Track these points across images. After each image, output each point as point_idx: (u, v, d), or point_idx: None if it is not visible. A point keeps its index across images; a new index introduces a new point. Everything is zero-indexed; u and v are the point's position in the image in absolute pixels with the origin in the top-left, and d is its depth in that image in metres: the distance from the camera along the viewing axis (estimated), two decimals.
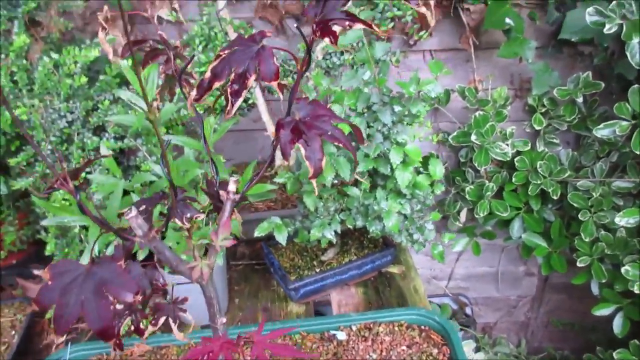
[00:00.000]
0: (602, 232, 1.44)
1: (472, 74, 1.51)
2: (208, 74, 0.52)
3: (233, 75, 0.50)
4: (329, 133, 0.51)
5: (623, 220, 1.22)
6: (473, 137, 1.40)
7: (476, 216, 1.53)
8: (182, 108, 1.11)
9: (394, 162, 0.94)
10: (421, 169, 1.04)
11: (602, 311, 1.45)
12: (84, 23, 1.49)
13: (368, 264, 1.17)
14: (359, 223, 1.01)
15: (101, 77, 1.09)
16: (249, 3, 1.45)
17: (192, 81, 0.68)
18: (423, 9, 1.15)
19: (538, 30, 1.46)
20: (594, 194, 1.44)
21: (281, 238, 0.99)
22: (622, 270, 1.33)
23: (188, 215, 0.59)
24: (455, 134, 1.48)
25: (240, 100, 0.51)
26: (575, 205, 1.46)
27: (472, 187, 1.54)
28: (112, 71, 1.08)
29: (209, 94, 0.52)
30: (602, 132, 1.32)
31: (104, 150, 0.92)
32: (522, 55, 1.37)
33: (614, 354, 1.44)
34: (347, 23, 0.49)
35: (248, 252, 1.33)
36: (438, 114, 1.60)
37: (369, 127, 0.95)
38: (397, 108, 0.92)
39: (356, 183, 1.03)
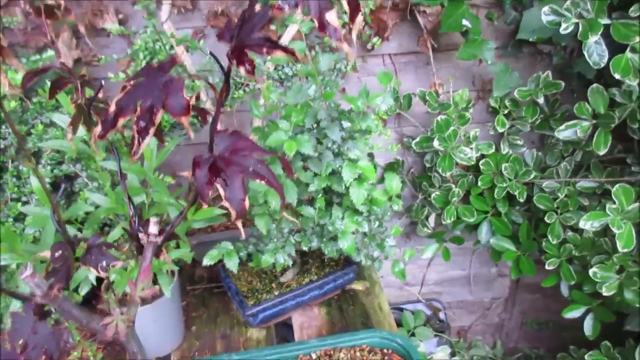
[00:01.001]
0: (570, 233, 1.42)
1: (433, 77, 1.47)
2: (113, 108, 0.46)
3: (139, 110, 0.44)
4: (251, 170, 0.46)
5: (587, 223, 1.20)
6: (436, 143, 1.37)
7: (443, 222, 1.50)
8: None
9: (347, 180, 0.89)
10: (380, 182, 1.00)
11: (572, 313, 1.44)
12: (26, 39, 1.41)
13: (330, 283, 1.13)
14: (315, 244, 0.97)
15: (34, 99, 1.02)
16: (200, 12, 1.39)
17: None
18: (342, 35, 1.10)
19: (497, 30, 1.44)
20: (559, 194, 1.43)
21: (232, 265, 0.93)
22: (590, 272, 1.31)
23: (104, 263, 0.54)
24: (418, 139, 1.44)
25: (149, 138, 0.45)
26: (541, 207, 1.44)
27: (438, 193, 1.51)
28: (46, 93, 1.01)
29: (114, 130, 0.46)
30: (563, 133, 1.30)
31: (34, 181, 0.85)
32: (481, 56, 1.34)
33: (585, 356, 1.43)
34: (264, 50, 0.44)
35: (206, 274, 1.27)
36: (401, 118, 1.56)
37: (319, 143, 0.90)
38: (346, 124, 0.88)
39: (311, 201, 0.98)
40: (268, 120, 0.96)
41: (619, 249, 1.18)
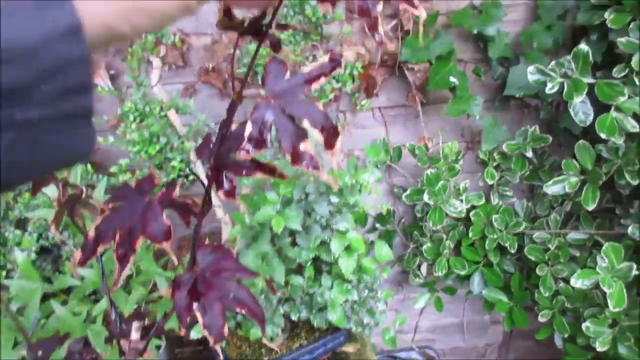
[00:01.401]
0: (562, 284, 1.42)
1: (422, 130, 1.48)
2: (92, 233, 0.45)
3: (118, 236, 0.44)
4: (232, 297, 0.45)
5: (579, 281, 1.20)
6: (426, 197, 1.37)
7: (435, 274, 1.49)
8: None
9: (335, 252, 0.89)
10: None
11: None
12: None
13: (320, 347, 1.11)
14: (304, 315, 0.96)
15: None
16: (192, 67, 1.40)
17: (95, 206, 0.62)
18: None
19: (484, 84, 1.46)
20: (550, 246, 1.43)
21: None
22: (583, 326, 1.30)
23: None
24: (408, 192, 1.44)
25: (129, 265, 0.45)
26: (532, 258, 1.44)
27: (429, 245, 1.51)
28: None
29: (94, 257, 0.46)
30: (552, 188, 1.31)
31: (18, 255, 0.84)
32: (469, 112, 1.35)
33: None
34: (244, 172, 0.44)
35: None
36: (391, 169, 1.56)
37: (307, 215, 0.90)
38: (334, 199, 0.88)
39: (300, 269, 0.97)
40: (257, 188, 0.96)
41: (610, 307, 1.17)
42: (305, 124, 0.35)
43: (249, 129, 0.36)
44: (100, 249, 0.44)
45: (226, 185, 0.45)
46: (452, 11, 1.34)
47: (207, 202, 0.48)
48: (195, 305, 0.44)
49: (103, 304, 0.91)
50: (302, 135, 0.37)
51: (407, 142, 1.46)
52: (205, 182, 0.46)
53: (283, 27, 0.54)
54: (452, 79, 1.32)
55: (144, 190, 0.45)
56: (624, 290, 1.17)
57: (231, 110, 0.40)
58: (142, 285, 0.92)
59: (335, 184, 0.41)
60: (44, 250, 0.98)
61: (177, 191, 0.57)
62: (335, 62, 0.37)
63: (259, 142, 0.36)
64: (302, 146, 0.37)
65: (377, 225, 1.62)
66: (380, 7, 0.31)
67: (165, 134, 1.09)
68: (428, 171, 1.38)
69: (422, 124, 1.46)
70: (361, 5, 0.31)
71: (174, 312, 0.57)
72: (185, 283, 0.45)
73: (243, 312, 0.43)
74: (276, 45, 0.41)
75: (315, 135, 0.37)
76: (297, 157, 0.37)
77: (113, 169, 1.10)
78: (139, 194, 0.45)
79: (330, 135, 0.37)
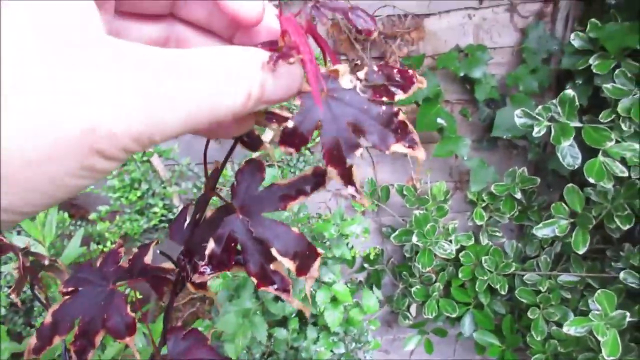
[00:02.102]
0: (554, 327, 1.39)
1: (411, 170, 1.47)
2: (49, 319, 0.42)
3: (78, 328, 0.40)
4: None
5: (572, 329, 1.17)
6: (414, 239, 1.35)
7: (425, 316, 1.46)
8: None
9: (321, 304, 0.85)
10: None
11: None
12: None
13: None
14: None
15: None
16: None
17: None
18: None
19: (471, 124, 1.45)
20: (541, 288, 1.40)
21: None
22: None
23: None
24: (397, 233, 1.42)
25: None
26: (524, 301, 1.41)
27: (419, 287, 1.48)
28: None
29: (50, 347, 0.42)
30: (542, 231, 1.29)
31: None
32: (457, 152, 1.34)
33: None
34: (218, 269, 0.39)
35: None
36: (380, 209, 1.54)
37: None
38: (319, 251, 0.85)
39: (285, 322, 0.94)
40: None
41: (605, 356, 1.14)
42: (274, 251, 0.30)
43: (210, 246, 0.31)
44: (56, 340, 0.40)
45: (196, 277, 0.42)
46: (438, 53, 1.35)
47: (180, 281, 0.45)
48: None
49: None
50: (273, 257, 0.31)
51: (395, 182, 1.44)
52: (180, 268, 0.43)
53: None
54: (440, 121, 1.31)
55: (106, 273, 0.42)
56: (618, 338, 1.14)
57: (203, 204, 0.36)
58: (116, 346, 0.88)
59: (307, 310, 0.37)
60: (14, 304, 0.94)
61: (150, 256, 0.53)
62: (319, 178, 0.31)
63: (220, 263, 0.32)
64: (272, 266, 0.32)
65: (366, 265, 1.59)
66: (359, 153, 0.27)
67: (146, 180, 1.06)
68: (417, 212, 1.36)
69: (410, 164, 1.45)
70: (332, 151, 0.26)
71: None
72: None
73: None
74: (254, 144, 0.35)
75: (286, 263, 0.31)
76: (265, 279, 0.32)
77: (92, 216, 1.07)
78: (102, 278, 0.42)
79: (305, 260, 0.31)
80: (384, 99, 0.26)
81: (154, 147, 1.10)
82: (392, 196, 1.50)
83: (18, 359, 0.83)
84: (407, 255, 1.55)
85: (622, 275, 1.20)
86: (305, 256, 0.31)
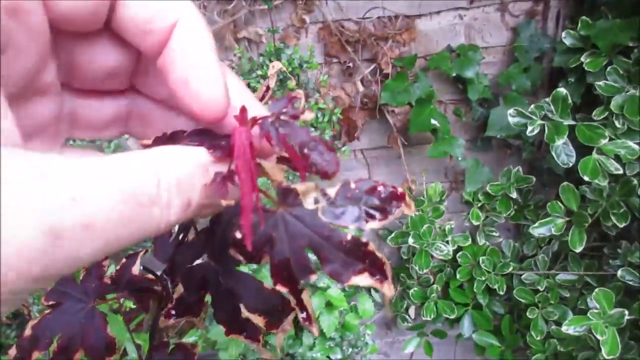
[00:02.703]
0: (553, 326, 1.38)
1: (405, 172, 1.46)
2: (29, 332, 0.41)
3: (57, 344, 0.40)
4: None
5: (570, 328, 1.16)
6: (411, 241, 1.34)
7: (423, 318, 1.45)
8: None
9: (316, 309, 0.84)
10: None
11: None
12: None
13: None
14: None
15: None
16: None
17: None
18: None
19: (465, 124, 1.45)
20: (539, 287, 1.40)
21: None
22: None
23: None
24: (393, 235, 1.42)
25: None
26: (522, 300, 1.40)
27: (416, 289, 1.47)
28: None
29: None
30: (538, 230, 1.28)
31: None
32: (452, 153, 1.34)
33: None
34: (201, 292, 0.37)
35: None
36: None
37: None
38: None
39: None
40: None
41: (604, 355, 1.13)
42: (242, 308, 0.28)
43: (179, 291, 0.30)
44: (35, 355, 0.39)
45: (162, 321, 0.40)
46: (430, 54, 1.34)
47: (165, 298, 0.44)
48: None
49: None
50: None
51: (390, 184, 1.43)
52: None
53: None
54: (433, 122, 1.31)
55: (88, 289, 0.41)
56: (618, 337, 1.13)
57: (188, 223, 0.35)
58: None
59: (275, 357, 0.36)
60: (7, 316, 0.93)
61: (137, 266, 0.52)
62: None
63: (188, 309, 0.30)
64: (244, 315, 0.29)
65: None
66: (313, 279, 0.24)
67: None
68: (413, 214, 1.36)
69: (405, 165, 1.44)
70: (282, 271, 0.23)
71: None
72: None
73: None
74: None
75: (254, 319, 0.29)
76: (235, 328, 0.30)
77: None
78: (83, 294, 0.41)
79: (277, 315, 0.29)
80: (351, 227, 0.22)
81: None
82: None
83: None
84: (405, 257, 1.55)
85: (619, 272, 1.20)
86: (277, 311, 0.29)
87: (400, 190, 0.23)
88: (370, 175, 1.50)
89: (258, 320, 0.28)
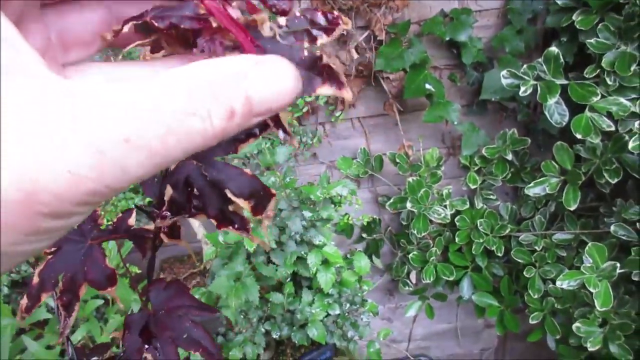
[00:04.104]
0: (551, 285, 1.41)
1: (402, 138, 1.48)
2: (36, 280, 0.44)
3: (62, 283, 0.43)
4: (185, 336, 0.44)
5: (564, 283, 1.19)
6: (409, 205, 1.37)
7: (423, 281, 1.48)
8: None
9: (312, 266, 0.88)
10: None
11: None
12: None
13: None
14: (285, 332, 0.94)
15: None
16: None
17: None
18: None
19: (460, 89, 1.46)
20: (536, 247, 1.42)
21: None
22: (574, 327, 1.29)
23: None
24: (391, 200, 1.44)
25: (76, 312, 0.43)
26: (520, 261, 1.43)
27: (416, 252, 1.50)
28: None
29: (39, 304, 0.45)
30: (533, 190, 1.30)
31: None
32: (447, 117, 1.35)
33: None
34: (187, 216, 0.40)
35: None
36: (374, 178, 1.56)
37: (282, 232, 0.89)
38: (307, 214, 0.87)
39: (280, 286, 0.96)
40: None
41: (598, 307, 1.16)
42: (228, 192, 0.31)
43: (169, 192, 0.33)
44: (44, 297, 0.43)
45: (159, 221, 0.44)
46: (423, 19, 1.35)
47: (158, 237, 0.47)
48: (146, 347, 0.42)
49: (78, 334, 0.89)
50: (230, 199, 0.33)
51: (388, 151, 1.46)
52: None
53: None
54: (428, 86, 1.32)
55: (84, 231, 0.44)
56: (610, 289, 1.16)
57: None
58: (119, 314, 0.91)
59: (266, 246, 0.39)
60: (15, 284, 0.97)
61: (133, 219, 0.56)
62: (265, 123, 0.32)
63: (180, 207, 0.33)
64: (232, 207, 0.33)
65: (364, 235, 1.61)
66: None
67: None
68: (410, 179, 1.38)
69: (402, 132, 1.46)
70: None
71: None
72: (137, 324, 0.44)
73: (197, 353, 0.42)
74: None
75: (241, 203, 0.32)
76: (224, 220, 0.33)
77: None
78: (80, 235, 0.44)
79: (259, 200, 0.32)
80: (306, 44, 0.25)
81: None
82: (386, 165, 1.51)
83: (23, 333, 0.87)
84: (404, 223, 1.57)
85: (613, 228, 1.22)
86: (260, 197, 0.32)
87: (336, 13, 0.26)
88: (369, 144, 1.52)
89: (244, 205, 0.31)
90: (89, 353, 0.53)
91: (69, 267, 0.42)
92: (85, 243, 0.43)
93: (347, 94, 0.26)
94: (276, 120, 0.28)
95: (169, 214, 0.33)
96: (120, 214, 0.55)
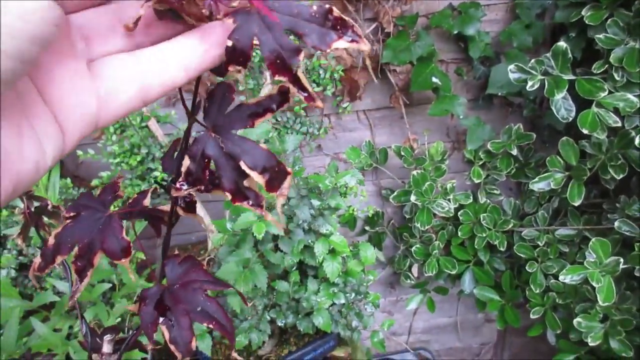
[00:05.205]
0: (552, 280, 1.42)
1: (407, 131, 1.48)
2: (52, 241, 0.45)
3: (78, 249, 0.43)
4: (199, 309, 0.44)
5: (567, 277, 1.20)
6: (413, 198, 1.37)
7: (425, 274, 1.49)
8: None
9: (319, 255, 0.88)
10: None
11: None
12: None
13: (309, 353, 1.10)
14: (290, 320, 0.95)
15: None
16: None
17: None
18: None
19: (466, 83, 1.46)
20: (539, 242, 1.43)
21: (205, 346, 0.91)
22: (575, 322, 1.30)
23: None
24: (395, 193, 1.44)
25: (87, 279, 0.44)
26: (522, 255, 1.44)
27: (419, 245, 1.50)
28: None
29: (53, 266, 0.45)
30: (537, 185, 1.31)
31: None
32: (453, 111, 1.35)
33: None
34: (203, 189, 0.41)
35: None
36: (378, 171, 1.56)
37: (289, 220, 0.89)
38: (315, 202, 0.87)
39: (286, 274, 0.97)
40: None
41: (600, 302, 1.17)
42: (243, 164, 0.32)
43: (186, 163, 0.33)
44: (58, 259, 0.43)
45: (185, 200, 0.44)
46: (431, 12, 1.35)
47: (175, 213, 0.48)
48: (161, 319, 0.43)
49: (87, 316, 0.90)
50: (245, 172, 0.33)
51: (393, 144, 1.46)
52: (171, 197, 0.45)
53: None
54: (435, 80, 1.32)
55: (105, 201, 0.45)
56: (613, 284, 1.17)
57: (188, 132, 0.39)
58: (125, 298, 0.91)
59: (279, 226, 0.40)
60: (24, 267, 0.97)
61: (148, 199, 0.56)
62: (284, 96, 0.32)
63: (196, 179, 0.33)
64: (247, 182, 0.33)
65: (367, 227, 1.61)
66: (302, 57, 0.28)
67: (146, 145, 1.08)
68: (414, 172, 1.38)
69: (407, 125, 1.46)
70: (276, 61, 0.27)
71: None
72: (152, 297, 0.44)
73: (211, 326, 0.43)
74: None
75: (255, 177, 0.33)
76: (239, 195, 0.33)
77: (94, 182, 1.09)
78: (101, 205, 0.44)
79: (274, 176, 0.33)
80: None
81: (152, 112, 1.12)
82: (391, 158, 1.51)
83: (30, 316, 0.87)
84: (407, 216, 1.58)
85: (617, 224, 1.22)
86: (274, 172, 0.32)
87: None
88: (374, 137, 1.52)
89: (258, 178, 0.31)
90: (102, 332, 0.53)
91: (86, 234, 0.42)
92: (105, 212, 0.43)
93: (364, 46, 0.27)
94: (297, 83, 0.28)
95: (185, 185, 0.34)
96: (136, 195, 0.55)
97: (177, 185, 0.34)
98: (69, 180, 1.06)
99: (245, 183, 0.33)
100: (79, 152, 1.13)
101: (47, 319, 0.89)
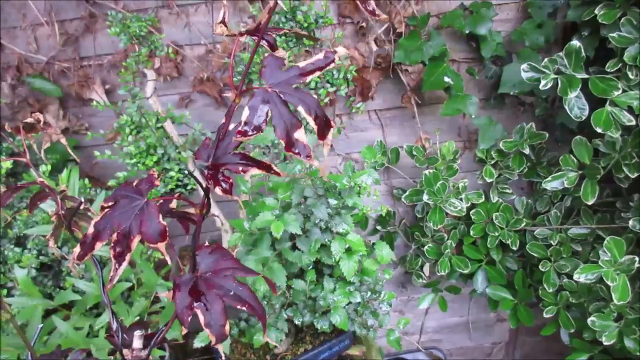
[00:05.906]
0: (565, 280, 1.41)
1: (419, 131, 1.49)
2: (91, 230, 0.46)
3: (116, 235, 0.44)
4: (232, 293, 0.45)
5: (582, 276, 1.20)
6: (425, 197, 1.37)
7: (438, 273, 1.49)
8: None
9: (336, 254, 0.89)
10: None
11: None
12: (13, 112, 1.42)
13: (325, 351, 1.11)
14: (307, 319, 0.95)
15: (19, 184, 1.01)
16: (186, 78, 1.41)
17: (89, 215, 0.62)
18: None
19: (478, 83, 1.46)
20: (552, 242, 1.43)
21: (222, 346, 0.91)
22: (589, 321, 1.30)
23: None
24: (407, 193, 1.45)
25: (125, 263, 0.45)
26: (535, 255, 1.43)
27: (431, 245, 1.50)
28: (30, 177, 1.01)
29: (92, 253, 0.46)
30: (550, 184, 1.31)
31: (18, 272, 0.84)
32: (465, 111, 1.36)
33: None
34: (240, 169, 0.45)
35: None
36: (390, 171, 1.57)
37: (306, 219, 0.90)
38: (332, 201, 0.88)
39: (302, 273, 0.97)
40: (255, 194, 0.96)
41: (615, 301, 1.17)
42: (300, 109, 0.38)
43: (245, 113, 0.38)
44: (98, 246, 0.44)
45: (223, 183, 0.46)
46: (443, 12, 1.35)
47: (206, 204, 0.49)
48: (195, 304, 0.44)
49: (105, 317, 0.91)
50: (297, 124, 0.39)
51: (405, 144, 1.46)
52: (204, 183, 0.47)
53: (277, 29, 0.54)
54: (446, 79, 1.32)
55: (142, 190, 0.46)
56: (628, 283, 1.16)
57: (230, 111, 0.42)
58: (144, 297, 0.92)
59: (324, 172, 0.44)
60: (44, 266, 0.98)
61: (174, 203, 0.57)
62: (329, 58, 0.40)
63: (255, 126, 0.39)
64: (297, 134, 0.39)
65: (378, 227, 1.62)
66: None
67: (162, 145, 1.09)
68: (426, 171, 1.39)
69: (419, 124, 1.46)
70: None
71: (175, 320, 0.57)
72: (186, 283, 0.46)
73: (244, 308, 0.44)
74: (272, 45, 0.43)
75: (310, 122, 0.39)
76: (290, 144, 0.39)
77: (111, 182, 1.11)
78: (138, 194, 0.46)
79: (323, 124, 0.40)
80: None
81: (167, 113, 1.13)
82: (402, 158, 1.52)
83: (51, 315, 0.88)
84: (419, 215, 1.58)
85: (631, 222, 1.22)
86: (323, 121, 0.39)
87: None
88: (385, 136, 1.52)
89: (311, 122, 0.39)
90: (132, 326, 0.54)
91: (124, 220, 0.44)
92: (142, 200, 0.45)
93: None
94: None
95: (248, 128, 0.39)
96: (161, 200, 0.56)
97: (241, 129, 0.39)
98: (87, 180, 1.07)
99: (296, 135, 0.39)
100: (96, 153, 1.15)
101: (67, 317, 0.91)
